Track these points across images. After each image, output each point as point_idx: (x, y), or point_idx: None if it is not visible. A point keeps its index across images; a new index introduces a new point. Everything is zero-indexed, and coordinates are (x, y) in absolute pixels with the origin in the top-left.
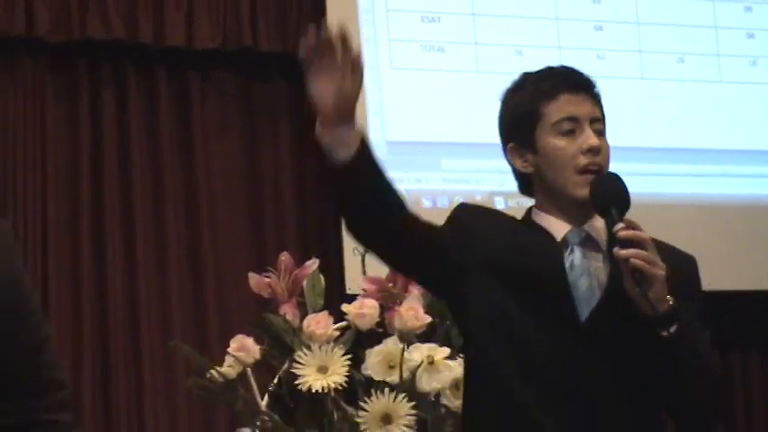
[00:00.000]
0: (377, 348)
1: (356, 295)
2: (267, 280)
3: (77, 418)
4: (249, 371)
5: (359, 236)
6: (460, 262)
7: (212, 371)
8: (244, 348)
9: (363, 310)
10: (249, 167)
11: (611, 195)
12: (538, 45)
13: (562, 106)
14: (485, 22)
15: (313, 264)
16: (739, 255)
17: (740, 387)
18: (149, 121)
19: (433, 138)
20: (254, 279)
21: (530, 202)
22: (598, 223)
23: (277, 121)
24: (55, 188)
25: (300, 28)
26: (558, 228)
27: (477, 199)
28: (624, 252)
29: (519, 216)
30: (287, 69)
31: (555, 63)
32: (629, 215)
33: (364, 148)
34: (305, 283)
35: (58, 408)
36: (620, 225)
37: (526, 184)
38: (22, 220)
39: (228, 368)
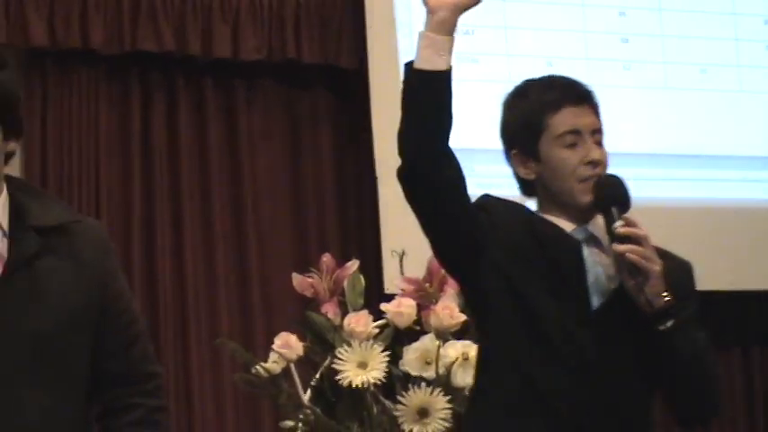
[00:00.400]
0: (414, 345)
1: (394, 295)
2: (310, 280)
3: (165, 405)
4: (292, 366)
5: (427, 150)
6: (484, 242)
7: (257, 366)
8: (287, 345)
9: (401, 309)
10: (292, 172)
11: (612, 195)
12: (567, 56)
13: (566, 119)
14: (516, 34)
15: (353, 265)
16: (758, 256)
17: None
18: (197, 128)
19: (467, 144)
20: (297, 279)
21: None
22: (600, 223)
23: (319, 128)
24: (108, 191)
25: (341, 41)
26: (563, 227)
27: None
28: (621, 247)
29: None
30: (328, 79)
31: (584, 74)
32: (643, 218)
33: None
34: (346, 283)
35: (145, 394)
36: (619, 222)
37: (528, 188)
38: None
39: (273, 364)
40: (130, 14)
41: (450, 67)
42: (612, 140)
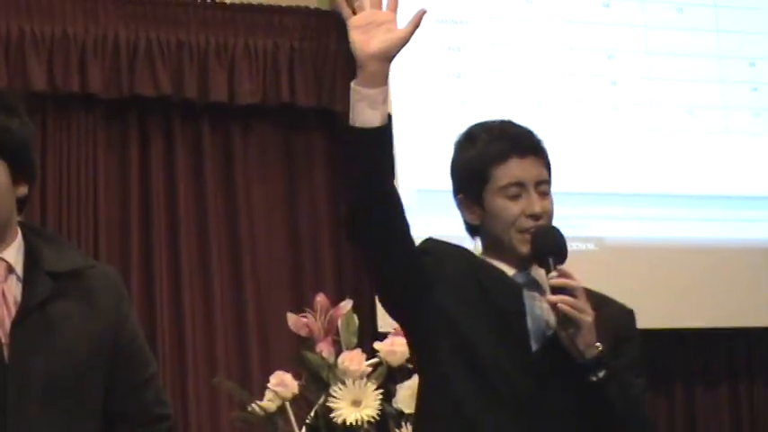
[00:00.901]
0: (406, 383)
1: (387, 333)
2: (305, 320)
3: None
4: (288, 404)
5: (365, 205)
6: (427, 285)
7: (254, 404)
8: (283, 383)
9: (394, 348)
10: (288, 213)
11: (548, 246)
12: (556, 98)
13: (510, 171)
14: (507, 78)
15: (347, 304)
16: (743, 294)
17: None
18: (194, 171)
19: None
20: (292, 319)
21: None
22: (541, 270)
23: (314, 170)
24: (106, 234)
25: (335, 85)
26: (505, 271)
27: None
28: (553, 298)
29: None
30: (323, 122)
31: (573, 116)
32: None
33: (390, 119)
34: (340, 322)
35: None
36: (554, 273)
37: (473, 231)
38: None
39: (269, 402)
40: (128, 59)
41: (388, 120)
42: (602, 180)
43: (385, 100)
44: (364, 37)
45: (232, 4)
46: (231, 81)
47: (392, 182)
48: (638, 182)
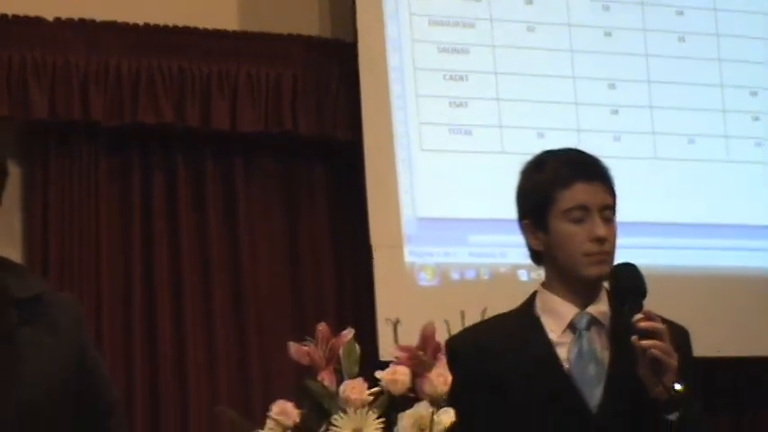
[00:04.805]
0: (408, 412)
1: (389, 362)
2: (306, 349)
3: None
4: None
5: None
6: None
7: None
8: (284, 412)
9: (396, 377)
10: (290, 244)
11: (633, 285)
12: (558, 127)
13: (575, 195)
14: (509, 106)
15: (348, 333)
16: (744, 324)
17: None
18: (196, 201)
19: (460, 214)
20: (294, 348)
21: None
22: (602, 306)
23: (315, 200)
24: (108, 264)
25: (337, 113)
26: (565, 310)
27: (502, 271)
28: (645, 343)
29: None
30: (325, 152)
31: (574, 144)
32: None
33: None
34: (341, 351)
35: None
36: (639, 316)
37: (538, 258)
38: (77, 293)
39: (270, 431)
40: (130, 87)
41: None
42: None
43: None
44: None
45: (234, 32)
46: (233, 109)
47: None
48: (639, 211)
